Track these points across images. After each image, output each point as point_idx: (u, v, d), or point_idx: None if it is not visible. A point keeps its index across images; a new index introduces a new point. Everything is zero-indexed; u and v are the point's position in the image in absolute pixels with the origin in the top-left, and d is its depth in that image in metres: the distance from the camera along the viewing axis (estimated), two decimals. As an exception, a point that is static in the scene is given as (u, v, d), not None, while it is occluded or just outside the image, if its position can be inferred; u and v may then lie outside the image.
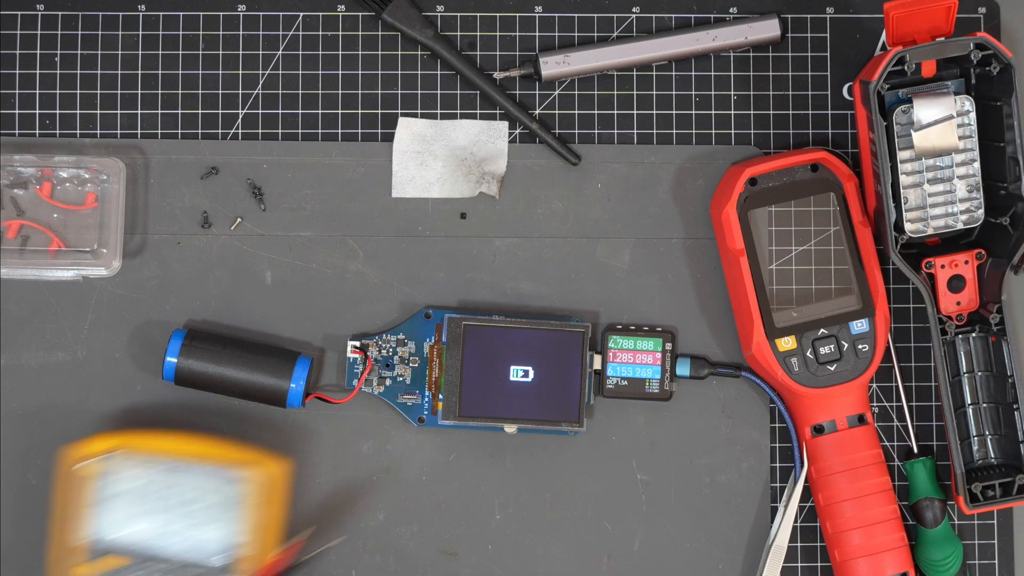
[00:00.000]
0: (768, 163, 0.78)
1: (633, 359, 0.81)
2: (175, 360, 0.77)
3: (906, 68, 0.75)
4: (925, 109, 0.76)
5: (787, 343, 0.77)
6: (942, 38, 0.76)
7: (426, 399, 0.80)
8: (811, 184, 0.78)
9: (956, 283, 0.79)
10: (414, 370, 0.79)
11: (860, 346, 0.78)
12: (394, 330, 0.80)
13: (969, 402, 0.80)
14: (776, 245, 0.78)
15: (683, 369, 0.81)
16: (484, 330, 0.79)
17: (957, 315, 0.79)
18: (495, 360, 0.79)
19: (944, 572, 0.79)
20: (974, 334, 0.80)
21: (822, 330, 0.77)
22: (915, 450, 0.82)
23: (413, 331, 0.80)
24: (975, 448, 0.80)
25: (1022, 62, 0.84)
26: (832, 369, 0.77)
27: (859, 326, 0.77)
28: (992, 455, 0.80)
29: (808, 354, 0.77)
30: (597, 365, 0.81)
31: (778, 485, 0.82)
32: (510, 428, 0.79)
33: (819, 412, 0.78)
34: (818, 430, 0.79)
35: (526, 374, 0.79)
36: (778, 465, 0.82)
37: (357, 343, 0.80)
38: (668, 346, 0.81)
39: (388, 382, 0.79)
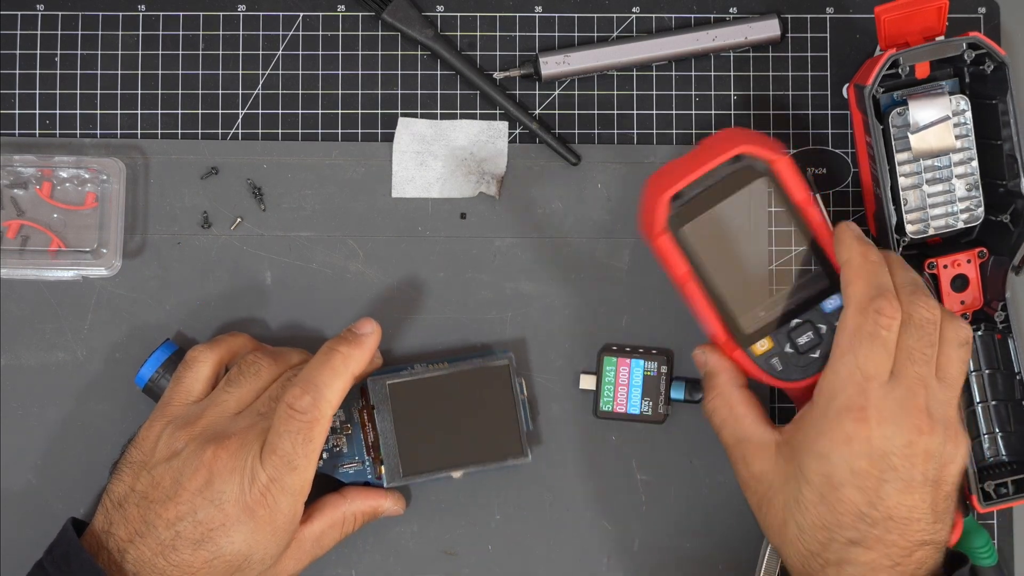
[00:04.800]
0: (686, 177, 0.73)
1: (627, 382, 0.80)
2: (150, 373, 0.77)
3: (900, 71, 0.75)
4: (921, 111, 0.76)
5: (763, 345, 0.75)
6: (935, 39, 0.76)
7: (367, 464, 0.77)
8: (738, 177, 0.73)
9: (959, 282, 0.79)
10: (348, 437, 0.77)
11: (832, 321, 0.74)
12: None
13: (977, 400, 0.80)
14: (722, 251, 0.74)
15: (678, 393, 0.81)
16: (409, 385, 0.77)
17: (962, 314, 0.79)
18: (427, 411, 0.77)
19: (987, 557, 0.79)
20: (980, 332, 0.80)
21: (795, 320, 0.74)
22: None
23: None
24: (985, 446, 0.80)
25: (1017, 60, 0.84)
26: (816, 355, 0.74)
27: (831, 303, 0.74)
28: (1003, 452, 0.80)
29: (787, 348, 0.74)
30: (590, 385, 0.80)
31: (778, 485, 0.82)
32: (456, 474, 0.78)
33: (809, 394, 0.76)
34: None
35: (460, 418, 0.77)
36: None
37: None
38: (664, 369, 0.81)
39: (325, 455, 0.77)
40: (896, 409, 0.67)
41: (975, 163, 0.78)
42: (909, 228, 0.78)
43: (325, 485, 0.78)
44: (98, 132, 0.82)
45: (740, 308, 0.74)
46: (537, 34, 0.83)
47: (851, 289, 0.70)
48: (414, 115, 0.83)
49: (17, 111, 0.82)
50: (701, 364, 0.76)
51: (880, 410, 0.67)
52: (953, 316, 0.71)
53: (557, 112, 0.83)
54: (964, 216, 0.78)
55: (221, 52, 0.83)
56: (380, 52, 0.83)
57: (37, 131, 0.82)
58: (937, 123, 0.76)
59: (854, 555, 0.68)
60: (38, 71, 0.82)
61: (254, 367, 0.74)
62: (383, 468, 0.76)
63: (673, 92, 0.83)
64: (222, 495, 0.69)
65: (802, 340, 0.74)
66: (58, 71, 0.82)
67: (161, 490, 0.70)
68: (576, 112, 0.83)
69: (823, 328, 0.74)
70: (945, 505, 0.70)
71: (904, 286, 0.70)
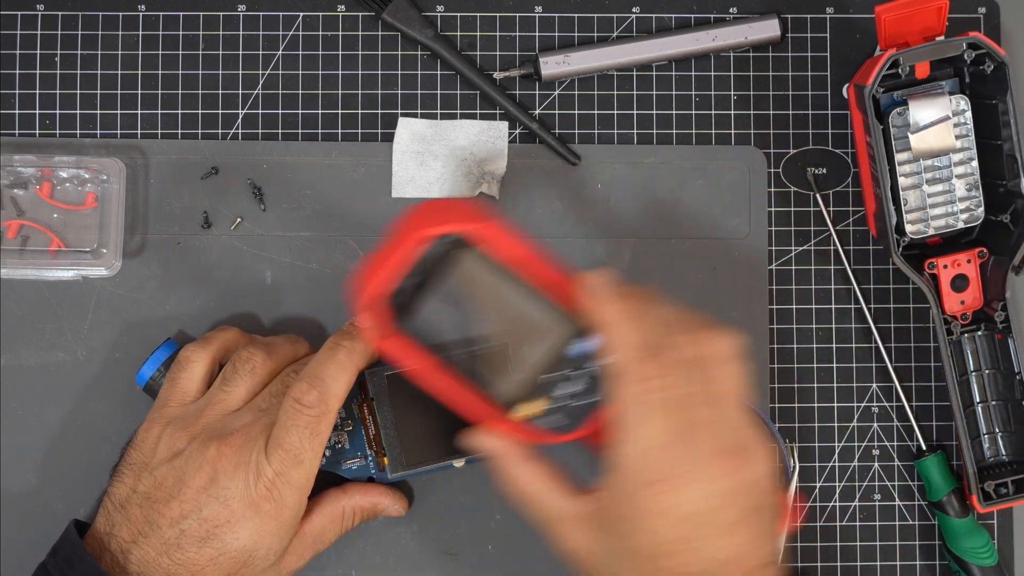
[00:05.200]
0: (393, 277, 0.67)
1: None
2: (151, 372, 0.77)
3: (900, 71, 0.75)
4: (921, 111, 0.76)
5: (532, 407, 0.70)
6: (935, 39, 0.76)
7: (370, 458, 0.77)
8: (447, 257, 0.68)
9: (959, 282, 0.79)
10: (350, 434, 0.77)
11: (588, 365, 0.70)
12: None
13: (978, 400, 0.80)
14: (457, 331, 0.69)
15: None
16: (407, 375, 0.75)
17: (962, 314, 0.79)
18: (427, 401, 0.74)
19: (987, 557, 0.79)
20: (980, 332, 0.80)
21: (555, 373, 0.69)
22: (923, 447, 0.82)
23: None
24: (985, 446, 0.80)
25: (1017, 60, 0.84)
26: (587, 401, 0.70)
27: (585, 346, 0.69)
28: (1003, 452, 0.81)
29: (557, 404, 0.70)
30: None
31: (778, 485, 0.82)
32: (458, 463, 0.77)
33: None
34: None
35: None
36: (777, 465, 0.82)
37: None
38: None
39: (328, 452, 0.76)
40: (691, 467, 0.64)
41: (975, 163, 0.78)
42: (909, 228, 0.78)
43: (328, 482, 0.78)
44: (98, 132, 0.82)
45: (495, 379, 0.70)
46: (537, 34, 0.83)
47: (617, 356, 0.66)
48: (414, 115, 0.83)
49: (17, 111, 0.82)
50: (482, 451, 0.71)
51: (677, 476, 0.64)
52: (709, 335, 0.67)
53: (557, 112, 0.83)
54: (964, 216, 0.78)
55: (221, 52, 0.83)
56: (380, 52, 0.83)
57: (37, 131, 0.82)
58: (937, 123, 0.76)
59: None
60: (38, 71, 0.82)
61: (249, 363, 0.74)
62: (386, 459, 0.76)
63: (673, 92, 0.83)
64: (227, 491, 0.69)
65: (569, 391, 0.70)
66: (58, 71, 0.82)
67: (164, 490, 0.70)
68: (576, 112, 0.83)
69: (585, 373, 0.70)
70: (764, 522, 0.67)
71: (662, 329, 0.66)
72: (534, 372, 0.70)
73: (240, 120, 0.82)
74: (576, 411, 0.70)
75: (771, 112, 0.83)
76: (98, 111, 0.82)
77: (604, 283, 0.68)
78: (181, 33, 0.83)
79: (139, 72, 0.82)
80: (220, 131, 0.82)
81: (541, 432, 0.70)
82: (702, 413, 0.65)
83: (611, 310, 0.67)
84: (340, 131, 0.83)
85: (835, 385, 0.83)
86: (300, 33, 0.83)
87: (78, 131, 0.82)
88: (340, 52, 0.83)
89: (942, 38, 0.77)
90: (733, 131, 0.83)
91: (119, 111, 0.82)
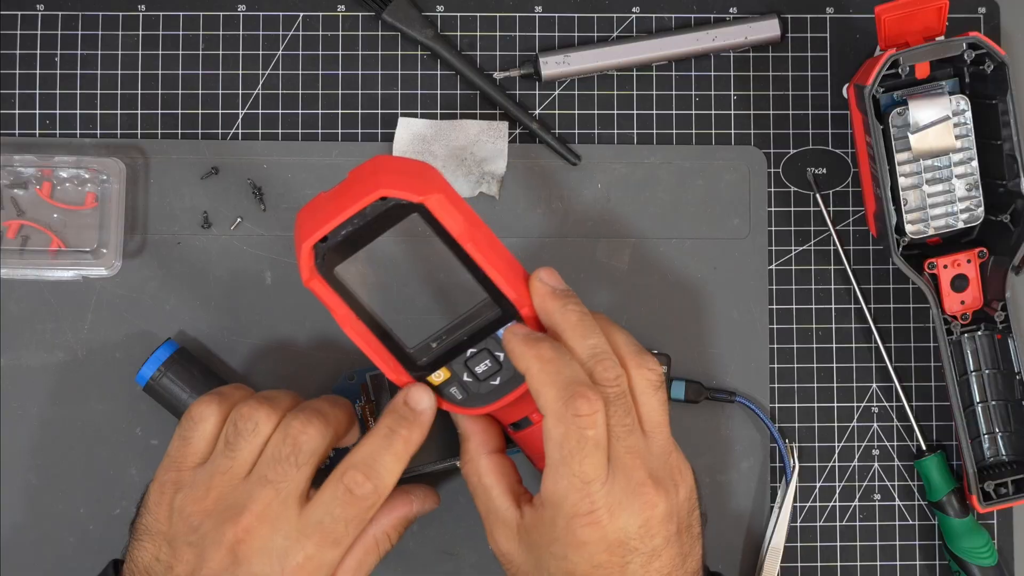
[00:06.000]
0: (330, 220, 0.66)
1: None
2: (151, 372, 0.77)
3: (900, 71, 0.75)
4: (921, 111, 0.76)
5: (439, 375, 0.70)
6: (935, 39, 0.76)
7: None
8: (389, 215, 0.66)
9: (959, 282, 0.79)
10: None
11: (498, 350, 0.70)
12: None
13: (978, 400, 0.80)
14: (381, 287, 0.69)
15: (678, 393, 0.81)
16: None
17: (962, 314, 0.79)
18: None
19: (987, 557, 0.80)
20: (980, 332, 0.80)
21: (470, 349, 0.69)
22: (923, 447, 0.82)
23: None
24: (985, 446, 0.80)
25: (1017, 60, 0.84)
26: (497, 382, 0.69)
27: (496, 331, 0.69)
28: (1003, 452, 0.81)
29: (466, 377, 0.70)
30: None
31: (778, 485, 0.82)
32: (460, 463, 0.77)
33: (508, 416, 0.73)
34: (516, 426, 0.73)
35: None
36: (777, 465, 0.82)
37: None
38: (664, 368, 0.81)
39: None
40: (623, 498, 0.65)
41: (975, 163, 0.78)
42: (909, 228, 0.78)
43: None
44: (98, 132, 0.82)
45: (410, 341, 0.69)
46: (537, 34, 0.83)
47: (542, 399, 0.65)
48: (414, 115, 0.83)
49: (17, 111, 0.82)
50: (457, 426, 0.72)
51: (608, 507, 0.64)
52: (637, 363, 0.68)
53: (557, 112, 0.83)
54: (964, 216, 0.78)
55: (221, 52, 0.83)
56: (380, 52, 0.83)
57: (37, 131, 0.82)
58: (937, 123, 0.76)
59: None
60: (38, 71, 0.82)
61: (251, 423, 0.70)
62: None
63: (673, 92, 0.83)
64: (251, 573, 0.67)
65: (479, 368, 0.70)
66: (58, 71, 0.82)
67: (185, 564, 0.68)
68: (576, 112, 0.83)
69: (500, 355, 0.69)
70: (692, 538, 0.68)
71: (587, 362, 0.66)
72: (454, 344, 0.69)
73: (240, 120, 0.82)
74: (483, 390, 0.70)
75: (771, 112, 0.83)
76: (98, 111, 0.82)
77: (545, 291, 0.68)
78: (181, 33, 0.83)
79: (139, 72, 0.82)
80: (220, 131, 0.82)
81: (442, 399, 0.70)
82: (632, 443, 0.66)
83: (529, 357, 0.66)
84: (340, 131, 0.83)
85: (835, 385, 0.83)
86: (300, 33, 0.83)
87: (78, 131, 0.82)
88: (340, 52, 0.83)
89: (942, 38, 0.77)
90: (733, 131, 0.83)
91: (119, 111, 0.82)
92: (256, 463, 0.69)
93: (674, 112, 0.83)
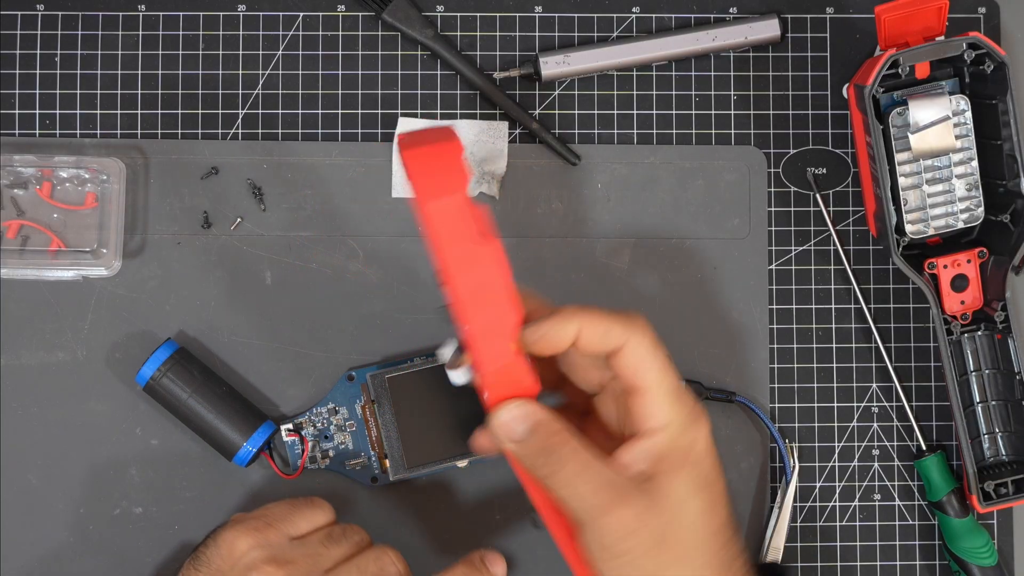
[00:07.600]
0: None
1: None
2: (151, 372, 0.77)
3: (900, 71, 0.76)
4: (921, 111, 0.76)
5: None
6: (935, 39, 0.76)
7: (373, 459, 0.78)
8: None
9: (959, 282, 0.79)
10: (353, 434, 0.78)
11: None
12: (322, 401, 0.79)
13: (977, 400, 0.80)
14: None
15: None
16: (408, 378, 0.77)
17: (962, 314, 0.79)
18: (427, 404, 0.77)
19: (987, 557, 0.80)
20: (980, 332, 0.80)
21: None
22: (923, 447, 0.82)
23: (341, 397, 0.79)
24: (985, 446, 0.80)
25: (1017, 60, 0.84)
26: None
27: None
28: (1003, 452, 0.81)
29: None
30: None
31: (778, 485, 0.82)
32: (462, 463, 0.77)
33: None
34: None
35: (462, 407, 0.77)
36: (777, 465, 0.82)
37: (290, 426, 0.79)
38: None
39: (332, 453, 0.77)
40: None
41: (975, 163, 0.78)
42: (909, 228, 0.78)
43: (333, 482, 0.78)
44: (98, 132, 0.82)
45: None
46: (537, 34, 0.83)
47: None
48: (414, 115, 0.83)
49: (17, 111, 0.82)
50: (509, 431, 0.65)
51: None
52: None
53: (557, 112, 0.83)
54: (964, 216, 0.78)
55: (221, 52, 0.83)
56: (380, 52, 0.83)
57: (37, 131, 0.82)
58: (937, 123, 0.76)
59: None
60: (38, 71, 0.82)
61: (357, 536, 0.72)
62: (387, 462, 0.76)
63: (673, 92, 0.83)
64: None
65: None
66: (58, 71, 0.82)
67: None
68: (576, 112, 0.83)
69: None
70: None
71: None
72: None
73: (240, 120, 0.82)
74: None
75: (771, 112, 0.83)
76: (98, 111, 0.82)
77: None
78: (181, 33, 0.83)
79: (139, 72, 0.82)
80: (220, 131, 0.82)
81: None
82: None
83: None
84: (340, 131, 0.83)
85: (835, 385, 0.83)
86: (300, 33, 0.83)
87: (78, 131, 0.82)
88: (340, 52, 0.83)
89: (942, 38, 0.77)
90: (733, 131, 0.83)
91: (119, 111, 0.82)
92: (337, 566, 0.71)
93: (674, 112, 0.83)
